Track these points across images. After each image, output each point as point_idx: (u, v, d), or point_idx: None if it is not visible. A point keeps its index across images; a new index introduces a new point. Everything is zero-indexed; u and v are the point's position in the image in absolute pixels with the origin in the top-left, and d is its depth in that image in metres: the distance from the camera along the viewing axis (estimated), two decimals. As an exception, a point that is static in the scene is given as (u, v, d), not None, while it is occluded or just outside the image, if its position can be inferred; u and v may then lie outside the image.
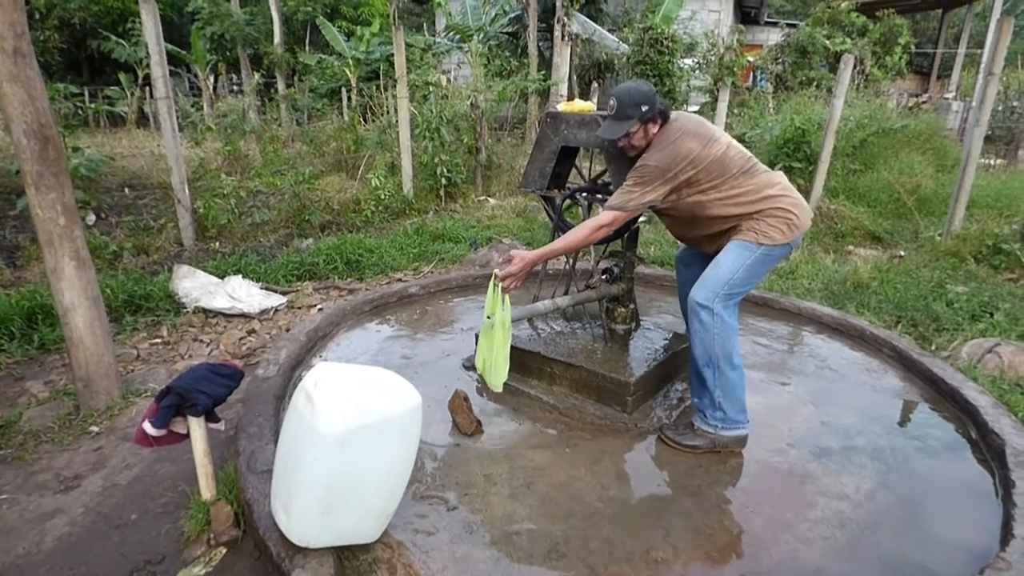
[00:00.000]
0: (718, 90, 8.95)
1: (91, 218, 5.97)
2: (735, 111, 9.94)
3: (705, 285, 2.56)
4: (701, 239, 2.76)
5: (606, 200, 3.14)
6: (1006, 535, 2.06)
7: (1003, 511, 2.25)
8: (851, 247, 6.03)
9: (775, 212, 2.52)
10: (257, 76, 13.19)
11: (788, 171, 6.67)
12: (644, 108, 2.50)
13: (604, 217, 2.58)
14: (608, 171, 3.02)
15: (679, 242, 3.12)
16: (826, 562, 2.06)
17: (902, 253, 5.72)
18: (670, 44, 11.29)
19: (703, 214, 2.61)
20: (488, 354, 2.69)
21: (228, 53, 17.69)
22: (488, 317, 2.66)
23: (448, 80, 9.36)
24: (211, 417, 2.17)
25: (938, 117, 10.22)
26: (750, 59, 12.67)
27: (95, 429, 2.86)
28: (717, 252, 2.64)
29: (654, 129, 2.58)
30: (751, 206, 2.53)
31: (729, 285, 2.53)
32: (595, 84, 11.61)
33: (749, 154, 2.60)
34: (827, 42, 12.19)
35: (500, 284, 2.59)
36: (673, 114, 2.63)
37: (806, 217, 2.57)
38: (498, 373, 2.66)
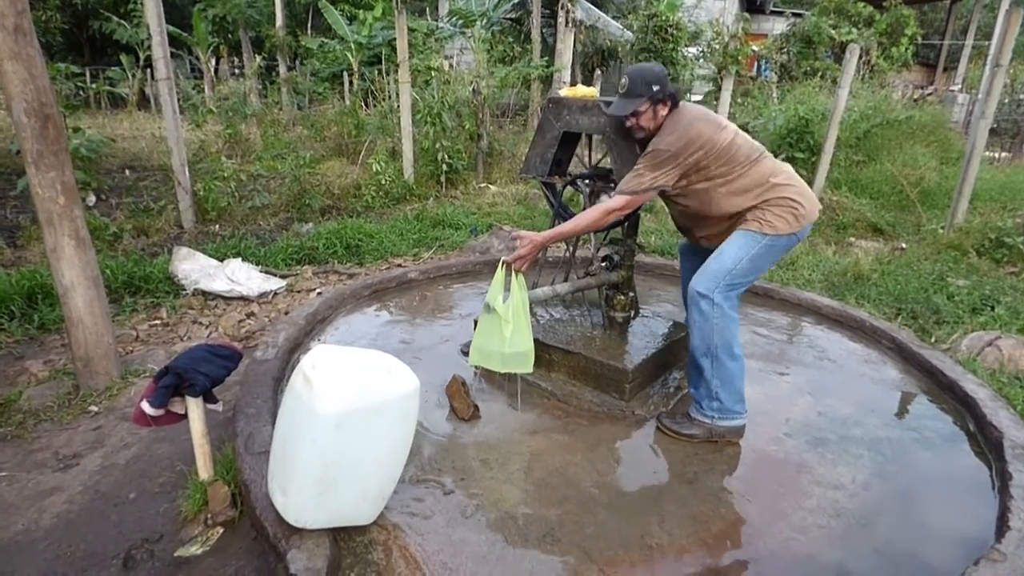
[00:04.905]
0: (722, 79, 8.90)
1: (91, 199, 5.96)
2: (739, 100, 9.88)
3: (706, 275, 2.55)
4: (707, 235, 2.74)
5: (607, 187, 3.12)
6: (1002, 527, 2.07)
7: (999, 503, 2.26)
8: (853, 239, 6.01)
9: (780, 202, 2.50)
10: (259, 59, 13.05)
11: (791, 161, 6.64)
12: (655, 88, 2.50)
13: (616, 201, 2.58)
14: (610, 157, 3.00)
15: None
16: (820, 551, 2.07)
17: (904, 245, 5.71)
18: (675, 32, 11.19)
19: (710, 209, 2.60)
20: (497, 340, 2.64)
21: (230, 35, 17.57)
22: (489, 306, 2.65)
23: (450, 66, 9.30)
24: (209, 398, 2.18)
25: (943, 109, 10.16)
26: (755, 48, 12.57)
27: (94, 409, 2.87)
28: None
29: (663, 111, 2.57)
30: (756, 197, 2.51)
31: (731, 275, 2.52)
32: (598, 71, 11.52)
33: (756, 144, 2.59)
34: (833, 32, 12.09)
35: (513, 266, 2.64)
36: (681, 104, 2.62)
37: (813, 207, 2.55)
38: (523, 342, 2.63)
